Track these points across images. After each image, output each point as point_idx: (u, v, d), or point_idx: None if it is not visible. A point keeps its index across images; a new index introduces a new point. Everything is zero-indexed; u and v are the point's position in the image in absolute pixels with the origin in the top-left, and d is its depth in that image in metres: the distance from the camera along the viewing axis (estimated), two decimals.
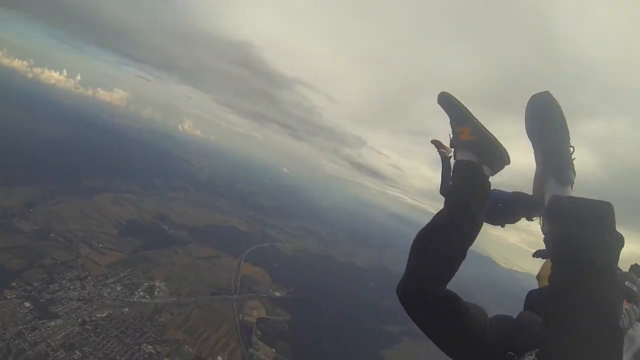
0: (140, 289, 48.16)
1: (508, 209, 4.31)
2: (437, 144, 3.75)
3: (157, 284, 50.66)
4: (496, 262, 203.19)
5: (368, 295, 73.42)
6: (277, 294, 62.05)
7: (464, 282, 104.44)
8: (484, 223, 3.51)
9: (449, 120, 2.67)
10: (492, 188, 3.77)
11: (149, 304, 46.14)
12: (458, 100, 2.60)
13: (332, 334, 54.52)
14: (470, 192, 2.41)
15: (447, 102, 2.60)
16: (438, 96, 2.64)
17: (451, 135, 2.68)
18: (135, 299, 46.01)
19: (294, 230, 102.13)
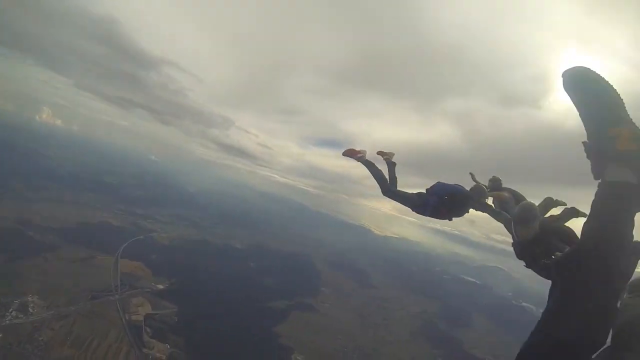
0: (11, 309, 44.49)
1: (457, 202, 5.80)
2: (381, 153, 6.28)
3: (29, 299, 47.27)
4: (371, 230, 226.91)
5: (251, 275, 77.44)
6: (160, 286, 62.35)
7: (343, 249, 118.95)
8: (413, 212, 6.18)
9: (580, 114, 2.07)
10: (438, 182, 6.02)
11: (24, 323, 43.16)
12: (610, 86, 1.93)
13: (222, 319, 56.35)
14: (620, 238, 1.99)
15: (589, 89, 1.92)
16: (569, 75, 1.99)
17: (585, 143, 2.12)
18: (7, 322, 42.53)
19: (167, 219, 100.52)
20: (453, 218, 6.05)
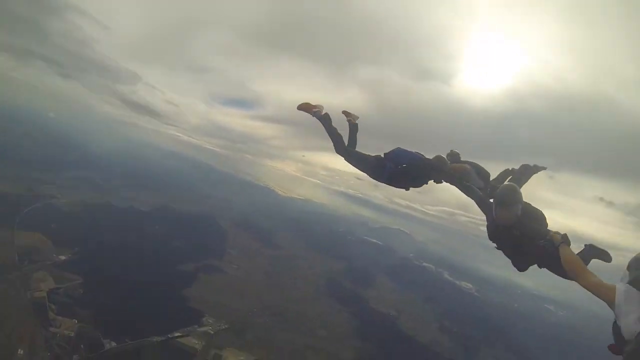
0: None
1: (416, 171, 5.74)
2: (345, 113, 6.20)
3: None
4: (276, 191, 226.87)
5: (157, 238, 75.93)
6: (63, 257, 59.68)
7: (248, 210, 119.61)
8: (377, 182, 6.10)
9: None
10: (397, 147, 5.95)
11: None
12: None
13: (130, 286, 55.34)
14: None
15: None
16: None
17: None
18: None
19: (67, 183, 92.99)
20: (411, 188, 5.97)
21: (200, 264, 71.09)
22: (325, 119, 6.21)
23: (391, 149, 5.99)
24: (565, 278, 4.05)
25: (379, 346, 60.36)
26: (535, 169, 6.28)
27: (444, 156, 6.09)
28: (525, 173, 6.18)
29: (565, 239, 3.90)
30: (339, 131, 6.23)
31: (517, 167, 6.39)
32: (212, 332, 53.34)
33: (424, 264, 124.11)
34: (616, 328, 2.94)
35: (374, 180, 6.10)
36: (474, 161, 6.13)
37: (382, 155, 5.92)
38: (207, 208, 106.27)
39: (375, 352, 58.69)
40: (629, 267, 3.13)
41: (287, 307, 66.41)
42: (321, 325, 63.52)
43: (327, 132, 6.20)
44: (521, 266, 4.94)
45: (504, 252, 4.96)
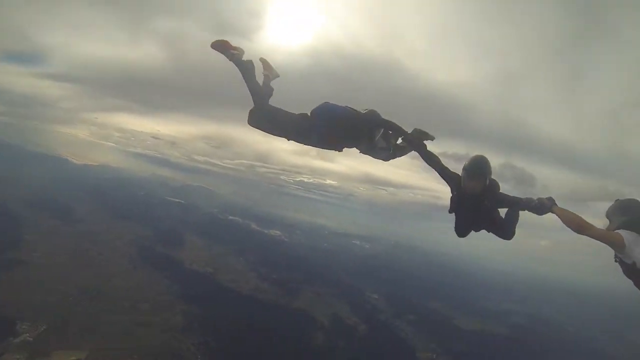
0: None
1: (351, 128, 5.08)
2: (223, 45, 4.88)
3: None
4: (69, 160, 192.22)
5: None
6: None
7: (41, 186, 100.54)
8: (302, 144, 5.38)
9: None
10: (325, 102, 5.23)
11: None
12: None
13: None
14: None
15: None
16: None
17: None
18: None
19: None
20: (344, 149, 5.41)
21: None
22: (246, 67, 5.11)
23: (318, 105, 5.17)
24: (503, 238, 4.97)
25: (206, 305, 61.92)
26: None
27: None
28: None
29: (553, 202, 4.10)
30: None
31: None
32: (31, 340, 45.60)
33: (230, 217, 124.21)
34: (625, 265, 3.82)
35: (344, 147, 5.39)
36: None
37: (309, 114, 5.14)
38: None
39: (204, 311, 61.73)
40: (608, 216, 4.23)
41: (104, 286, 61.76)
42: (143, 298, 62.40)
43: (247, 83, 5.15)
44: (466, 232, 5.20)
45: (462, 219, 5.09)
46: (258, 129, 5.27)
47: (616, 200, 4.27)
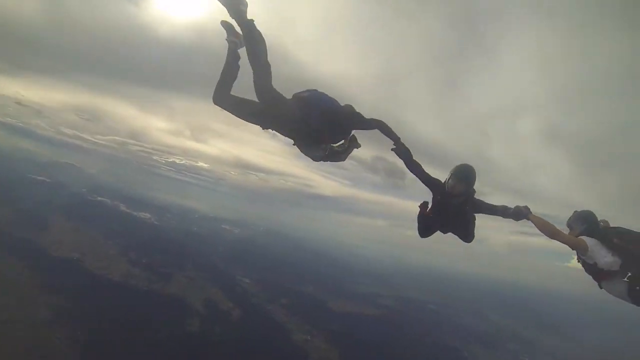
0: None
1: (344, 123, 4.78)
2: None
3: None
4: None
5: None
6: None
7: None
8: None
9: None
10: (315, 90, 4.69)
11: None
12: None
13: None
14: None
15: None
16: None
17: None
18: None
19: None
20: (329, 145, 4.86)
21: None
22: (235, 57, 4.35)
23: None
24: (465, 241, 5.34)
25: (74, 295, 55.97)
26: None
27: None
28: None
29: (529, 210, 4.64)
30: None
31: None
32: None
33: (99, 198, 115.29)
34: (587, 265, 4.78)
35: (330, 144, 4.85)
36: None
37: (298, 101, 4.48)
38: None
39: (71, 302, 56.94)
40: (569, 225, 5.06)
41: None
42: (1, 291, 55.89)
43: (225, 69, 4.30)
44: (431, 233, 5.65)
45: (438, 222, 5.40)
46: (226, 109, 4.39)
47: (575, 212, 5.10)
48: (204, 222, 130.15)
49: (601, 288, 4.90)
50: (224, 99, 4.32)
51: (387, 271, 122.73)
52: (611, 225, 5.19)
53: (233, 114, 4.44)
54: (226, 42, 4.35)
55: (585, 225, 4.89)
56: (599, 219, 5.04)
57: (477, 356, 59.91)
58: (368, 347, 53.42)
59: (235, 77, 4.36)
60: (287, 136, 4.67)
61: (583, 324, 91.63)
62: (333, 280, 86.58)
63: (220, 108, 4.37)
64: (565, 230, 5.01)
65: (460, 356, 58.75)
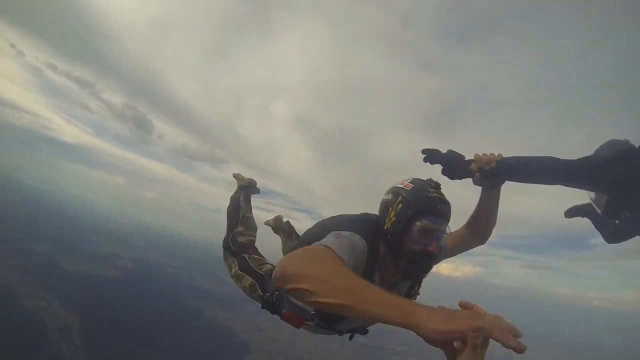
0: None
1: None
2: None
3: None
4: None
5: None
6: None
7: None
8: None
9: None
10: None
11: None
12: None
13: None
14: None
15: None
16: None
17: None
18: None
19: None
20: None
21: None
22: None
23: None
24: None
25: None
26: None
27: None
28: None
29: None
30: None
31: None
32: None
33: None
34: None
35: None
36: None
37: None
38: None
39: None
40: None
41: None
42: None
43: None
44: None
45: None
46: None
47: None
48: None
49: None
50: None
51: (125, 231, 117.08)
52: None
53: None
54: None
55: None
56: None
57: (218, 317, 62.18)
58: (110, 310, 49.90)
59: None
60: None
61: None
62: (68, 237, 75.58)
63: None
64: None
65: (203, 316, 60.90)
